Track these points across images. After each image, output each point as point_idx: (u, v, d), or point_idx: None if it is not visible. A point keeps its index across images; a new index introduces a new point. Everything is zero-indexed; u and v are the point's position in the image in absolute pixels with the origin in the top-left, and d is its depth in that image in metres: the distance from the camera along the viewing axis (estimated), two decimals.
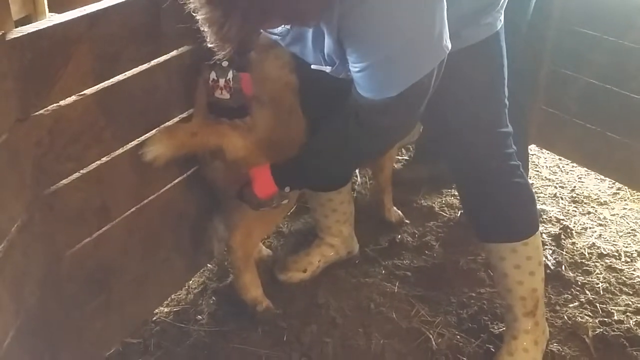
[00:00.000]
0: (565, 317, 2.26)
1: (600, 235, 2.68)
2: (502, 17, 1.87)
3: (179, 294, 2.33)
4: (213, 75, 1.89)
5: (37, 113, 1.59)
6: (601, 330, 2.21)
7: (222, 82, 1.88)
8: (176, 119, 2.00)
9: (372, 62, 1.58)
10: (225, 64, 1.85)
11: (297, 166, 1.89)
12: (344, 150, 1.82)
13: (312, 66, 1.77)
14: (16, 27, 1.58)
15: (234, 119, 1.91)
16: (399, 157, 3.15)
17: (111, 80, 1.76)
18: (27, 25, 1.56)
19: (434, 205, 2.84)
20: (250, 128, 1.92)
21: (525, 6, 2.34)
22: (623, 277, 2.45)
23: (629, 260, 2.54)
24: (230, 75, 1.87)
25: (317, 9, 1.49)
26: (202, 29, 1.42)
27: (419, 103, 1.68)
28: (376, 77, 1.62)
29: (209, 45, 1.46)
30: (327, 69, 1.72)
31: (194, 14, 1.41)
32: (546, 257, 2.49)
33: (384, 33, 1.54)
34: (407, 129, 1.83)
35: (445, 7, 1.58)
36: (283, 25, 1.59)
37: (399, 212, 2.74)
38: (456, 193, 2.90)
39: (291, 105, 1.99)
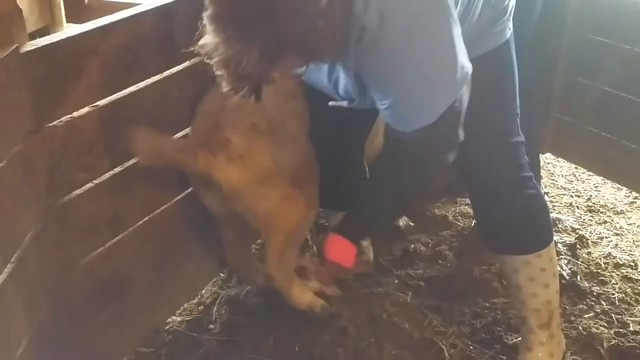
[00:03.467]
0: (581, 328, 2.24)
1: (616, 245, 2.65)
2: (510, 25, 1.86)
3: (191, 303, 2.34)
4: None
5: (50, 124, 1.62)
6: (616, 341, 2.18)
7: None
8: (188, 129, 2.02)
9: (397, 98, 1.58)
10: None
11: (361, 218, 1.85)
12: (396, 189, 1.78)
13: (330, 103, 1.77)
14: (35, 37, 1.60)
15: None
16: None
17: (124, 91, 1.78)
18: (41, 38, 1.59)
19: (447, 214, 2.83)
20: (246, 159, 1.88)
21: (530, 9, 2.33)
22: (639, 288, 2.42)
23: None
24: None
25: (331, 47, 1.49)
26: (217, 73, 1.40)
27: (454, 128, 1.67)
28: (404, 112, 1.61)
29: (224, 90, 1.44)
30: (344, 103, 1.71)
31: (208, 61, 1.39)
32: (561, 267, 2.47)
33: (403, 70, 1.54)
34: (449, 154, 1.75)
35: (460, 30, 1.57)
36: (299, 64, 1.56)
37: (406, 218, 2.74)
38: (469, 202, 2.89)
39: (294, 132, 1.98)
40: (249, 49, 1.35)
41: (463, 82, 1.60)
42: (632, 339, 2.18)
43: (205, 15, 1.38)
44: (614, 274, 2.49)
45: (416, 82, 1.56)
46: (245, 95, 1.46)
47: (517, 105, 1.92)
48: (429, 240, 2.66)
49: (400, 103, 1.59)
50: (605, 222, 2.79)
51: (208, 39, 1.38)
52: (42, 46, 1.55)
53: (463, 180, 2.06)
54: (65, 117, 1.64)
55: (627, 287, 2.42)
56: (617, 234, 2.71)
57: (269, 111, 1.90)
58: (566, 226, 2.74)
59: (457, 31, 1.56)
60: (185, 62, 1.94)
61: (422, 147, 1.66)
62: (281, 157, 1.93)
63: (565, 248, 2.60)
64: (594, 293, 2.39)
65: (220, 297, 2.36)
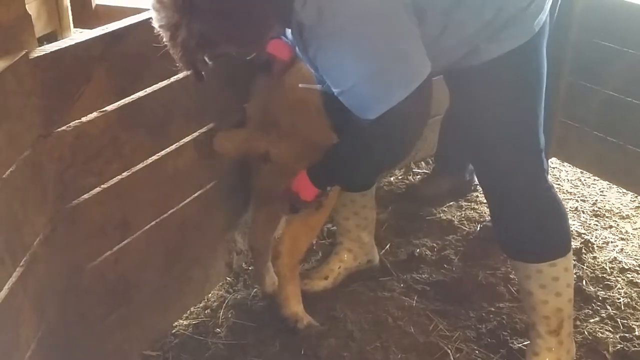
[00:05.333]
0: (586, 333, 2.24)
1: (621, 249, 2.65)
2: (537, 24, 1.78)
3: (198, 307, 2.35)
4: None
5: (59, 129, 1.63)
6: (622, 345, 2.18)
7: None
8: (195, 134, 2.04)
9: (342, 89, 1.66)
10: None
11: (327, 169, 1.92)
12: (355, 157, 1.85)
13: (300, 85, 1.87)
14: (42, 42, 1.62)
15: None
16: (419, 171, 3.15)
17: (132, 96, 1.80)
18: (50, 44, 1.61)
19: (453, 218, 2.83)
20: (292, 135, 2.03)
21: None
22: None
23: None
24: None
25: (255, 37, 1.58)
26: None
27: (401, 127, 1.70)
28: (349, 102, 1.69)
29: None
30: (319, 87, 1.79)
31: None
32: None
33: (340, 68, 1.61)
34: (401, 148, 1.81)
35: (417, 33, 1.62)
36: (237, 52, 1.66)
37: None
38: (476, 206, 2.90)
39: (317, 106, 2.05)
40: (176, 37, 1.50)
41: (412, 84, 1.62)
42: (638, 344, 2.18)
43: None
44: (619, 279, 2.48)
45: (356, 78, 1.62)
46: (190, 76, 1.61)
47: (541, 110, 1.88)
48: (434, 245, 2.66)
49: (344, 94, 1.67)
50: (610, 226, 2.79)
51: (154, 24, 1.55)
52: (52, 52, 1.57)
53: (481, 184, 2.06)
54: (74, 122, 1.66)
55: (632, 291, 2.42)
56: (622, 239, 2.71)
57: (297, 91, 2.01)
58: (572, 231, 2.73)
59: (408, 32, 1.60)
60: None
61: (371, 134, 1.72)
62: (316, 133, 2.03)
63: None
64: (600, 298, 2.39)
65: (226, 301, 2.37)
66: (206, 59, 1.60)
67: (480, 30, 1.74)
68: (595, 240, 2.69)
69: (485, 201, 2.87)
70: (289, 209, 2.01)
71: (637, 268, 2.53)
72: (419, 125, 1.73)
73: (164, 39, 1.54)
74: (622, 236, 2.73)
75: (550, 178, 2.99)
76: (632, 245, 2.67)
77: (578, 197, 3.00)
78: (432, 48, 1.68)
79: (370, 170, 1.96)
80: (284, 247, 2.15)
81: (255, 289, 2.42)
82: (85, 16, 4.37)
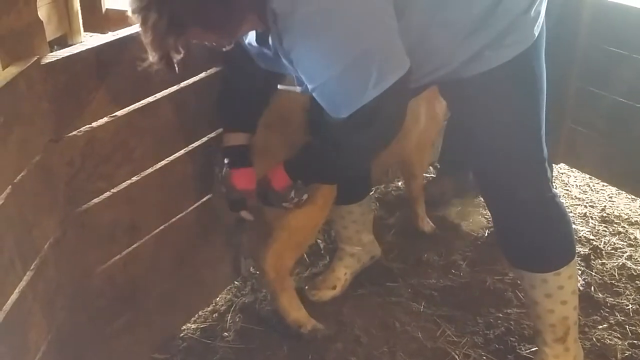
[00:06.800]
0: (594, 339, 2.23)
1: (630, 256, 2.64)
2: (533, 32, 1.75)
3: (206, 311, 2.36)
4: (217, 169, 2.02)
5: (70, 134, 1.65)
6: (630, 352, 2.17)
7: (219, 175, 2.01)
8: (205, 139, 2.05)
9: (315, 85, 1.64)
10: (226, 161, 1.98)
11: (302, 164, 1.91)
12: (327, 154, 1.83)
13: (279, 86, 1.85)
14: (52, 46, 1.64)
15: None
16: (427, 176, 3.15)
17: (141, 101, 1.81)
18: (61, 50, 1.62)
19: (460, 223, 2.83)
20: (275, 150, 1.99)
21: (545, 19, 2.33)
22: None
23: None
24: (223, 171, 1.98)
25: (226, 21, 1.55)
26: None
27: (374, 126, 1.68)
28: (322, 99, 1.68)
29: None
30: (297, 89, 1.76)
31: None
32: None
33: (315, 61, 1.60)
34: (373, 147, 1.79)
35: (394, 29, 1.60)
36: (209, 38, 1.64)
37: (431, 223, 2.76)
38: (483, 212, 2.89)
39: (299, 123, 2.03)
40: (147, 20, 1.48)
41: (383, 84, 1.60)
42: None
43: None
44: (628, 285, 2.47)
45: (326, 75, 1.60)
46: (158, 64, 1.55)
47: (542, 120, 1.85)
48: (442, 250, 2.66)
49: (316, 90, 1.65)
50: (619, 233, 2.78)
51: (128, 11, 1.53)
52: (63, 57, 1.58)
53: (483, 195, 2.05)
54: (84, 127, 1.67)
55: None
56: (631, 245, 2.70)
57: (285, 107, 2.00)
58: (580, 237, 2.73)
59: (379, 27, 1.59)
60: (201, 72, 1.97)
61: (344, 132, 1.70)
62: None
63: (579, 259, 2.58)
64: (608, 304, 2.38)
65: (234, 305, 2.38)
66: (180, 48, 1.56)
67: (474, 31, 1.69)
68: (604, 247, 2.68)
69: None
70: (260, 196, 1.98)
71: None
72: (393, 126, 1.71)
73: (138, 25, 1.52)
74: (631, 242, 2.72)
75: (558, 184, 3.02)
76: None
77: (587, 203, 2.99)
78: (419, 47, 1.66)
79: (343, 168, 1.91)
80: (267, 265, 2.12)
81: (262, 293, 2.42)
82: (95, 20, 4.40)
